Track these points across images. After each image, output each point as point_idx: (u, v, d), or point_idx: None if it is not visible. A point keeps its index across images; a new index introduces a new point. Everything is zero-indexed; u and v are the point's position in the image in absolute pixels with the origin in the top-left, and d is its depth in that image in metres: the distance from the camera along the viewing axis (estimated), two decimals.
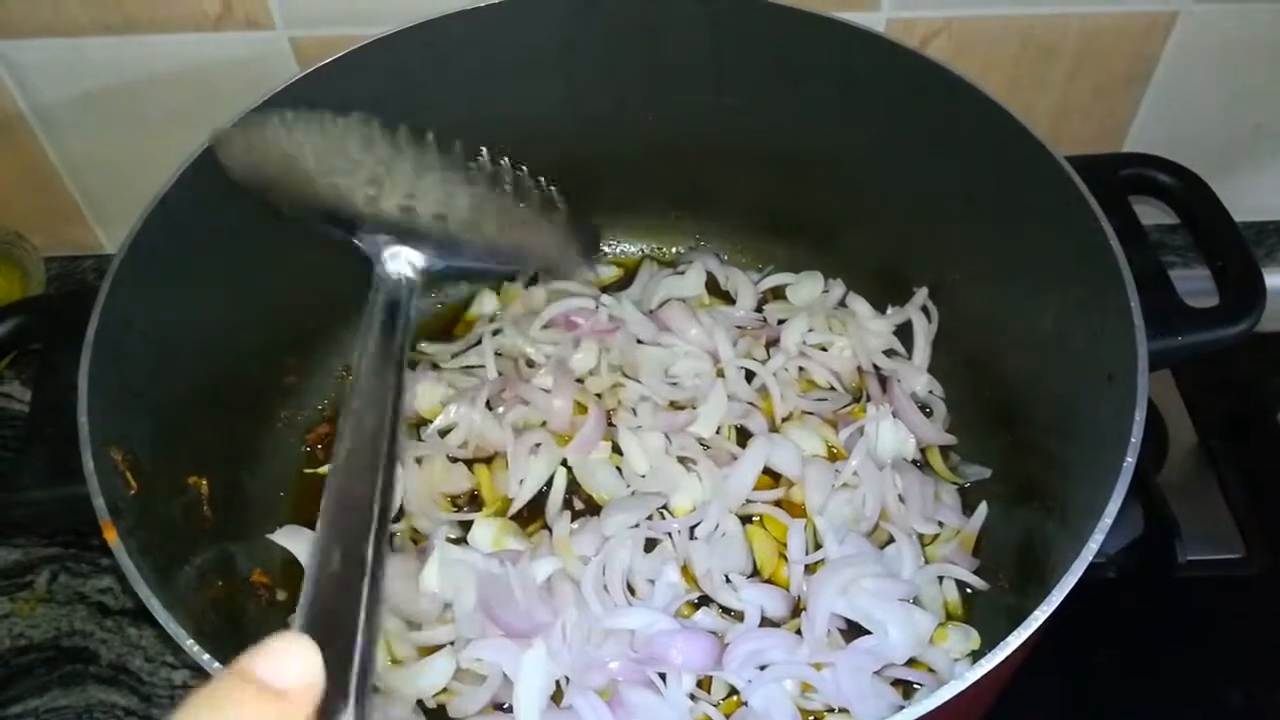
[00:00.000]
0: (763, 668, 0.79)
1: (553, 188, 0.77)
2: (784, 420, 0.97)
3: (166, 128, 0.93)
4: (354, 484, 0.50)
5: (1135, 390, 0.67)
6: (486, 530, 0.88)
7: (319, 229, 0.69)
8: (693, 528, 0.88)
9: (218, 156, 0.74)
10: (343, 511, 0.49)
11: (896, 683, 0.81)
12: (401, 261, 0.66)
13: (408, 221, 0.69)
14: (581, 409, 0.95)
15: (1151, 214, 0.85)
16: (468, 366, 1.01)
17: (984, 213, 0.88)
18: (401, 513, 0.92)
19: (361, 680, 0.42)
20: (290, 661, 0.37)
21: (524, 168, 0.77)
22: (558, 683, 0.80)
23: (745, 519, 0.90)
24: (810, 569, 0.86)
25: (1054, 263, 0.81)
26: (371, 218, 0.69)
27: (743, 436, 0.96)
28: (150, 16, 0.99)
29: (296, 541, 0.88)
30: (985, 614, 0.86)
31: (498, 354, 1.00)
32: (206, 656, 0.60)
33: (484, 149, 0.75)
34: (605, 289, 1.07)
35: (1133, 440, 0.65)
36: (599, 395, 0.97)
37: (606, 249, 1.13)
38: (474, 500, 0.94)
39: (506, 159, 0.76)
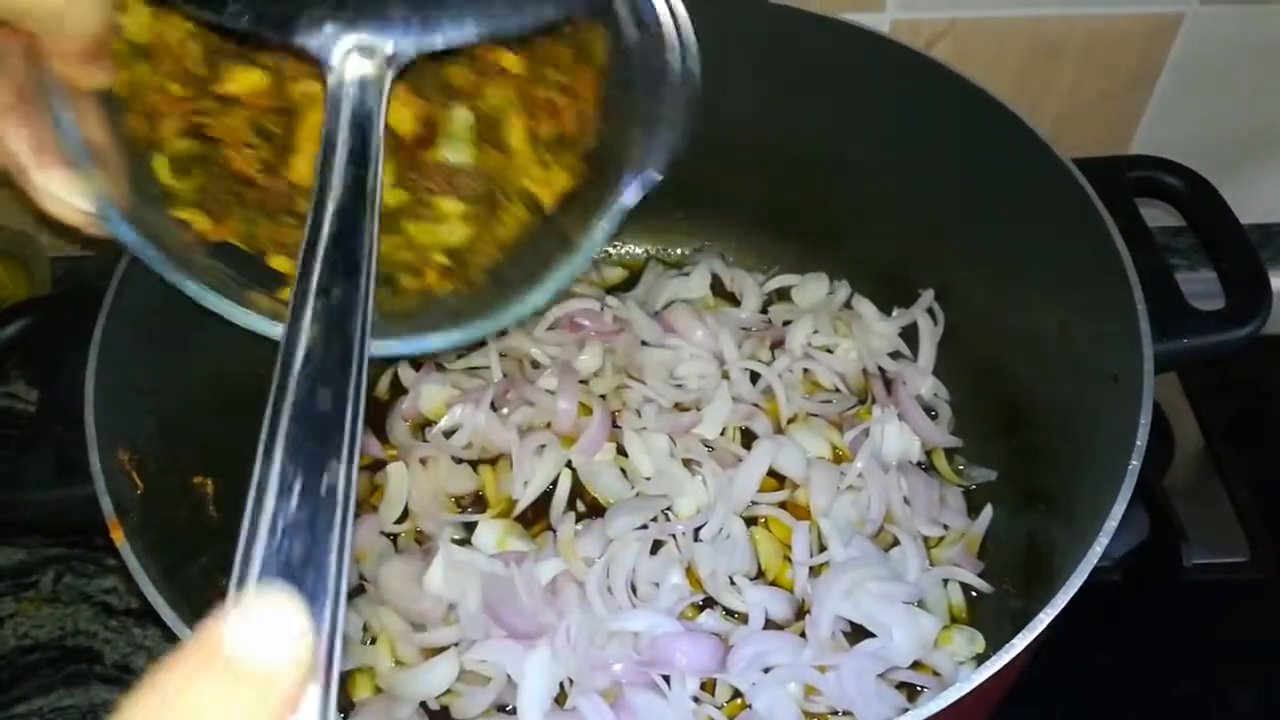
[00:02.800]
0: (767, 670, 0.79)
1: None
2: (789, 422, 0.97)
3: None
4: (320, 388, 0.37)
5: (1140, 392, 0.67)
6: (491, 531, 0.88)
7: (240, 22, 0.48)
8: (697, 530, 0.88)
9: None
10: (303, 423, 0.36)
11: (901, 686, 0.80)
12: (363, 56, 0.48)
13: None
14: (586, 410, 0.95)
15: (1157, 216, 0.85)
16: (472, 367, 1.01)
17: (990, 215, 0.88)
18: (406, 513, 0.92)
19: (330, 653, 0.31)
20: (274, 631, 0.28)
21: None
22: (562, 685, 0.80)
23: (750, 521, 0.90)
24: (815, 571, 0.86)
25: (1060, 265, 0.81)
26: None
27: (747, 438, 0.95)
28: None
29: None
30: (990, 617, 0.86)
31: (502, 355, 1.00)
32: None
33: None
34: (610, 290, 1.07)
35: (1138, 443, 0.65)
36: (604, 397, 0.97)
37: (611, 251, 1.13)
38: (478, 501, 0.94)
39: None
